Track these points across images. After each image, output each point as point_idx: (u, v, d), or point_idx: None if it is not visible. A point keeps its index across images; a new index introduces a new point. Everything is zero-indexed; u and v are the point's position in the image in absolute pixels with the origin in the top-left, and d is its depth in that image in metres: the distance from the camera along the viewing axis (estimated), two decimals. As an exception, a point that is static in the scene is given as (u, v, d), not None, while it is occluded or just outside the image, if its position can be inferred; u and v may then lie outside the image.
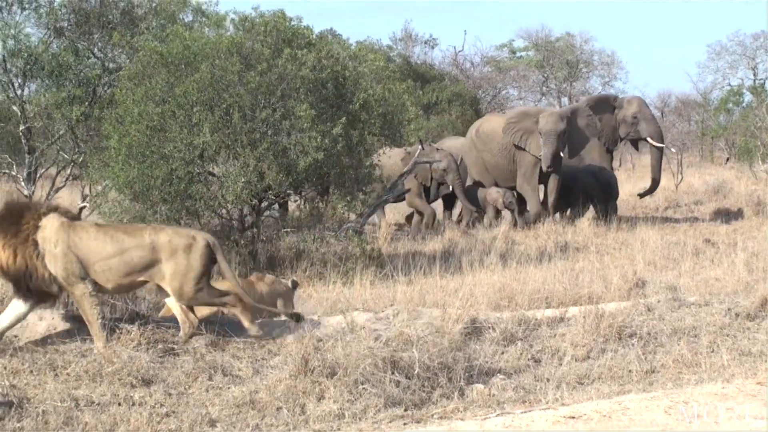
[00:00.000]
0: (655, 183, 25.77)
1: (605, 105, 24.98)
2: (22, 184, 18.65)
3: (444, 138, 27.88)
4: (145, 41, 16.97)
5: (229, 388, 8.64)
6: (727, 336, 10.80)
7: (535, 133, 23.01)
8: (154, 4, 19.62)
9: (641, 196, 26.28)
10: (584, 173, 23.93)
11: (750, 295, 12.34)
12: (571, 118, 23.18)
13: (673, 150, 31.57)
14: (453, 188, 22.99)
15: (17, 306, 9.49)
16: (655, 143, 24.84)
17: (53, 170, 19.93)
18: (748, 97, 53.55)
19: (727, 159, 44.40)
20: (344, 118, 15.68)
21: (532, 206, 23.51)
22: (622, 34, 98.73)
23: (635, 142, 26.35)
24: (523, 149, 23.27)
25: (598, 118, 24.41)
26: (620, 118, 24.69)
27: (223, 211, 15.53)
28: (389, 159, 22.91)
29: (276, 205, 16.98)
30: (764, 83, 54.38)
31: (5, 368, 8.82)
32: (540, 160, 22.98)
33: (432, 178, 23.07)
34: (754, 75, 56.95)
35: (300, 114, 15.08)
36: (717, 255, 16.82)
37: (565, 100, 56.05)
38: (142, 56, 16.20)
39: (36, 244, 9.35)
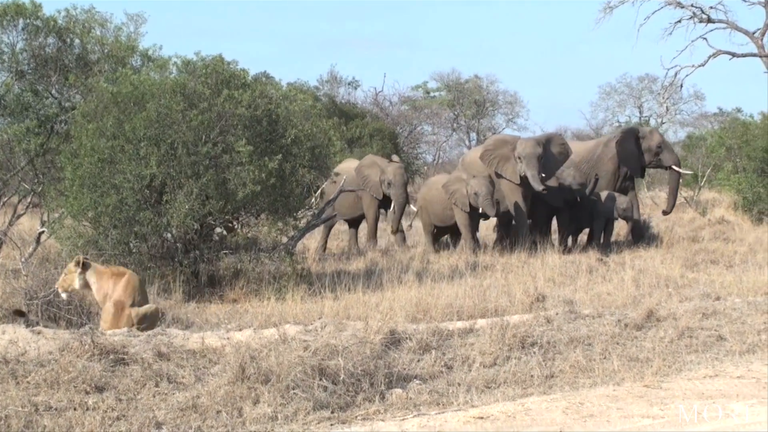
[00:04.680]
0: (671, 209, 25.65)
1: (630, 136, 24.27)
2: (-14, 211, 18.47)
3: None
4: (97, 83, 16.85)
5: (173, 393, 8.59)
6: (618, 344, 10.92)
7: (512, 160, 22.16)
8: (106, 50, 19.48)
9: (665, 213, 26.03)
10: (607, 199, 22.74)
11: (637, 308, 12.54)
12: (545, 145, 22.70)
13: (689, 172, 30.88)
14: (482, 210, 21.63)
15: None
16: (678, 170, 24.54)
17: (15, 199, 19.71)
18: (635, 132, 54.18)
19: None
20: (280, 154, 15.66)
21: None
22: (523, 77, 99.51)
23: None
24: (500, 176, 22.33)
25: (627, 148, 23.77)
26: (645, 148, 24.08)
27: (168, 235, 15.43)
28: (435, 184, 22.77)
29: (218, 228, 16.86)
30: (649, 120, 55.11)
31: (-30, 378, 8.72)
32: (516, 185, 22.09)
33: (470, 203, 21.72)
34: (640, 113, 57.79)
35: (239, 149, 15.06)
36: (608, 272, 17.00)
37: (473, 135, 56.44)
38: (94, 96, 16.11)
39: None
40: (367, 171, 23.32)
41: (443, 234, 23.33)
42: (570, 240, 22.70)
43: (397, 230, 23.33)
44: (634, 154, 23.72)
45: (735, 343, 11.08)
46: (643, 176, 26.02)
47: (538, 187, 21.48)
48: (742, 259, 18.62)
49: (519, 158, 21.78)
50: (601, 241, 22.23)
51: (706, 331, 11.58)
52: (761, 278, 15.42)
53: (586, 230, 23.12)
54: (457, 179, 22.02)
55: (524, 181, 21.88)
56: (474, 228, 22.06)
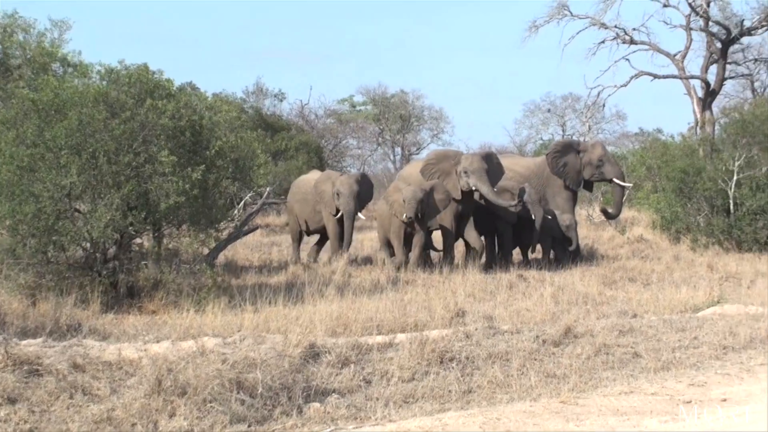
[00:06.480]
0: (615, 216, 25.96)
1: (569, 149, 24.21)
2: None
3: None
4: (18, 89, 16.62)
5: (88, 406, 8.47)
6: (536, 360, 10.98)
7: (453, 174, 22.01)
8: (28, 56, 19.26)
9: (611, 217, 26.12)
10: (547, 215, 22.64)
11: (556, 324, 12.62)
12: (487, 159, 22.63)
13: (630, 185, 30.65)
14: (404, 214, 20.85)
15: None
16: (620, 183, 24.77)
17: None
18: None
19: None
20: (203, 165, 15.57)
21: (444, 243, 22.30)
22: (449, 93, 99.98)
23: (591, 184, 25.52)
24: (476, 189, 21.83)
25: (564, 162, 23.72)
26: (585, 161, 23.95)
27: (87, 244, 15.25)
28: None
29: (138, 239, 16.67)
30: (572, 138, 55.61)
31: None
32: (454, 200, 21.78)
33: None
34: (563, 131, 58.45)
35: (162, 159, 14.95)
36: (528, 288, 17.10)
37: (398, 149, 56.62)
38: (15, 102, 15.90)
39: None
40: (322, 186, 23.09)
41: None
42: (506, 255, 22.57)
43: (351, 242, 22.85)
44: (574, 167, 23.78)
45: (650, 360, 11.20)
46: (590, 190, 26.19)
47: (502, 202, 21.50)
48: (659, 278, 18.82)
49: (465, 173, 21.64)
50: (551, 256, 22.35)
51: (623, 348, 11.68)
52: (677, 296, 15.61)
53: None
54: (395, 190, 21.64)
55: (465, 197, 21.83)
56: (421, 239, 21.35)
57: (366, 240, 24.55)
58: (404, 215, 20.55)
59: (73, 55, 19.92)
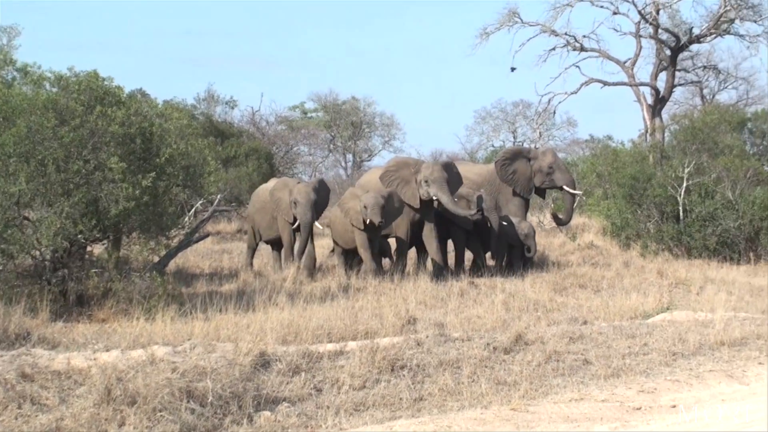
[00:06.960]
0: (566, 222, 25.96)
1: (518, 156, 24.19)
2: None
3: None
4: (-35, 96, 16.46)
5: (37, 416, 8.43)
6: (486, 367, 11.03)
7: (412, 183, 21.71)
8: (-24, 62, 19.09)
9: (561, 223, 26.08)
10: (505, 221, 22.45)
11: (507, 331, 12.67)
12: (447, 168, 22.53)
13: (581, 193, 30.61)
14: (369, 220, 20.37)
15: None
16: (570, 191, 24.68)
17: None
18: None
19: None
20: (154, 172, 15.51)
21: (398, 251, 22.19)
22: (400, 99, 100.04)
23: (543, 191, 25.33)
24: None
25: (513, 169, 23.75)
26: (536, 168, 23.96)
27: (37, 252, 15.14)
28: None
29: (87, 248, 16.56)
30: (523, 144, 55.85)
31: None
32: (411, 208, 21.54)
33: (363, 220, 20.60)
34: (514, 137, 58.61)
35: (112, 166, 14.87)
36: (479, 295, 17.10)
37: (350, 156, 56.62)
38: (-38, 110, 15.77)
39: None
40: (279, 194, 22.81)
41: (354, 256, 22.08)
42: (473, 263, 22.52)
43: (304, 252, 22.49)
44: (524, 175, 23.85)
45: (600, 367, 11.28)
46: (543, 196, 26.34)
47: (461, 212, 21.33)
48: (609, 284, 18.90)
49: (425, 182, 21.44)
50: (503, 264, 22.32)
51: (573, 355, 11.76)
52: (627, 303, 15.71)
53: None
54: (352, 196, 21.33)
55: (424, 205, 21.71)
56: (374, 247, 21.04)
57: (317, 248, 24.43)
58: (370, 221, 20.20)
59: (33, 66, 19.77)
